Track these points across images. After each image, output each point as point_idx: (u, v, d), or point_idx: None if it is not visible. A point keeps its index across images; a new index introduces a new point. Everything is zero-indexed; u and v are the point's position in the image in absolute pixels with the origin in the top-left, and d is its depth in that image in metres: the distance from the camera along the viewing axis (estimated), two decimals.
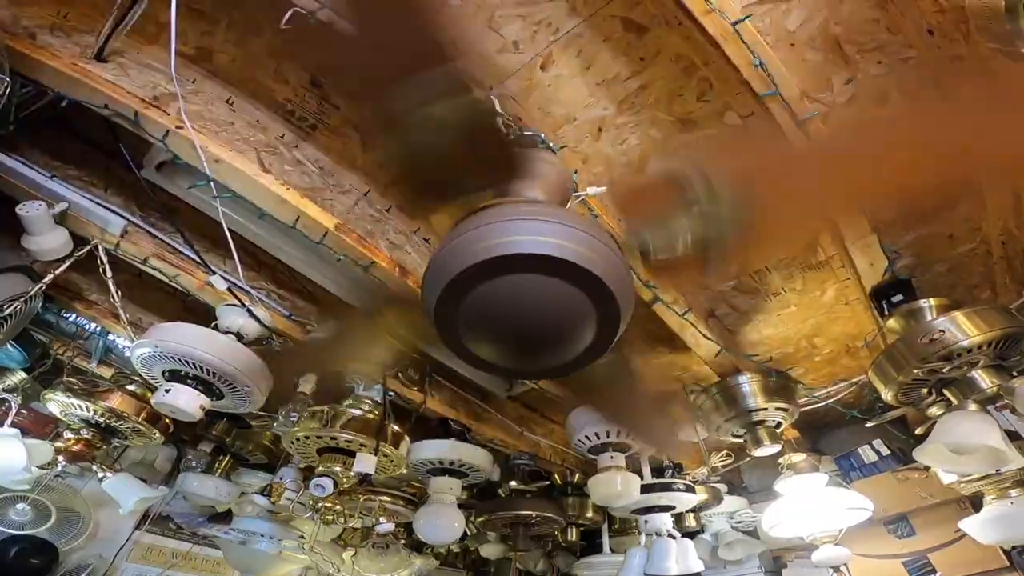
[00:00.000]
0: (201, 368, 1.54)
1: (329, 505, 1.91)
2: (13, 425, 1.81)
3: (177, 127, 1.26)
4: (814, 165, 0.87)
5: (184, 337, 1.51)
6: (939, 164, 0.79)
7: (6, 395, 1.82)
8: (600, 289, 0.75)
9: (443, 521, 2.09)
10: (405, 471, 2.04)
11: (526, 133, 1.25)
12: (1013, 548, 2.03)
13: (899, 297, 1.52)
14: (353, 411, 1.82)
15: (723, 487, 2.60)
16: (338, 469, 1.80)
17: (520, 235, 0.75)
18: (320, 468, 1.82)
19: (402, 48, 0.70)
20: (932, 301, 1.48)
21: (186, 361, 1.52)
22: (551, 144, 1.28)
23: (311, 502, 1.97)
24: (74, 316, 1.84)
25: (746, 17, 1.04)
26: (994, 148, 0.74)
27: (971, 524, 1.72)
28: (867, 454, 2.39)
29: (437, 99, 0.72)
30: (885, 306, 1.55)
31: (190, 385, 1.56)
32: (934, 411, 1.63)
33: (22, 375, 1.90)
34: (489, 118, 0.76)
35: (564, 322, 0.78)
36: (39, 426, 2.06)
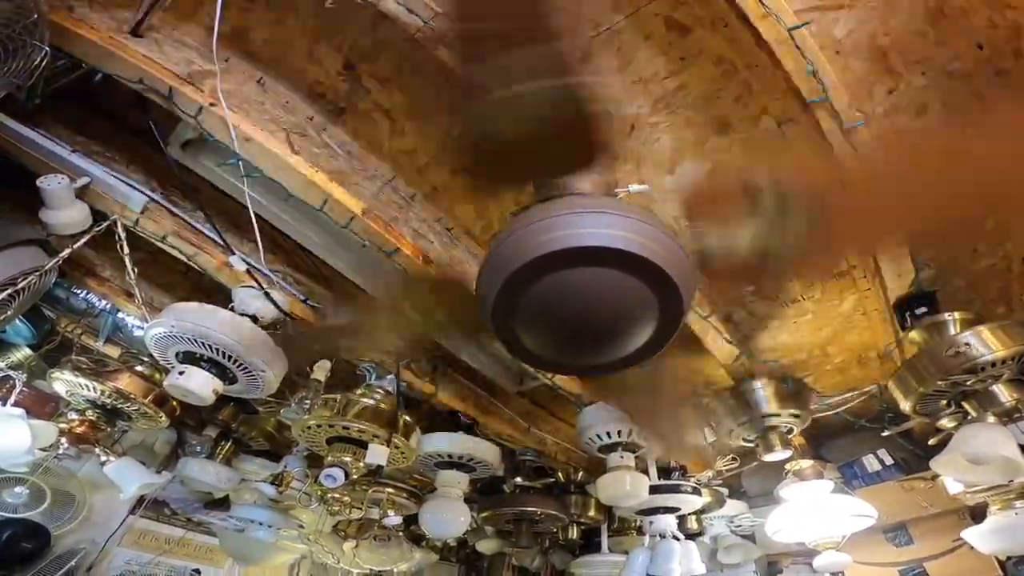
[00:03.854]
0: (217, 351, 1.51)
1: (337, 496, 1.88)
2: (15, 404, 1.76)
3: (211, 104, 1.24)
4: (873, 184, 0.87)
5: (202, 318, 1.48)
6: (980, 183, 0.78)
7: (11, 372, 1.77)
8: (665, 284, 0.74)
9: (449, 515, 2.08)
10: (411, 463, 2.03)
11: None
12: (1008, 559, 2.06)
13: (923, 309, 1.53)
14: (366, 400, 1.80)
15: (724, 491, 2.62)
16: (348, 459, 1.78)
17: (587, 228, 0.74)
18: (329, 458, 1.79)
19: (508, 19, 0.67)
20: (956, 315, 1.50)
21: (202, 343, 1.49)
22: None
23: (318, 493, 1.95)
24: (85, 293, 1.80)
25: (804, 23, 1.04)
26: None
27: (974, 534, 1.75)
28: (871, 463, 2.42)
29: (533, 79, 0.69)
30: (908, 318, 1.56)
31: (204, 368, 1.53)
32: (946, 423, 1.66)
33: (28, 352, 1.85)
34: (581, 106, 0.74)
35: (627, 317, 0.77)
36: (39, 405, 2.01)
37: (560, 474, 2.57)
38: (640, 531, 2.68)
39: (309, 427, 1.77)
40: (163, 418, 1.87)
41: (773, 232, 0.79)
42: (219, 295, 1.65)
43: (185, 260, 1.59)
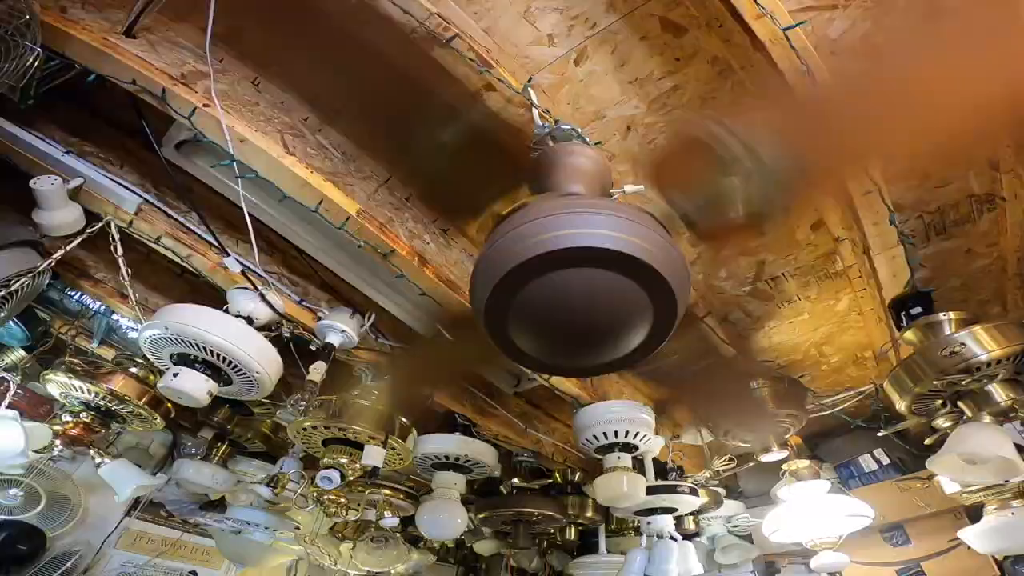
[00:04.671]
0: (211, 352, 1.50)
1: (333, 498, 1.88)
2: (9, 406, 1.75)
3: (204, 105, 1.23)
4: (832, 109, 0.85)
5: (196, 319, 1.47)
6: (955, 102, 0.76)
7: (5, 374, 1.76)
8: (658, 283, 0.74)
9: (446, 516, 2.07)
10: (408, 464, 2.02)
11: (563, 127, 1.23)
12: (1005, 559, 2.07)
13: (918, 309, 1.53)
14: (362, 402, 1.79)
15: (721, 491, 2.62)
16: (344, 461, 1.78)
17: (577, 228, 0.74)
18: (325, 459, 1.79)
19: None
20: (951, 315, 1.50)
21: (196, 344, 1.48)
22: (587, 139, 1.27)
23: (314, 494, 1.94)
24: (79, 294, 1.79)
25: (799, 23, 1.04)
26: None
27: (970, 534, 1.75)
28: (867, 463, 2.42)
29: (441, 124, 0.69)
30: (903, 318, 1.56)
31: (198, 370, 1.53)
32: (941, 423, 1.66)
33: (22, 353, 1.84)
34: (494, 123, 0.74)
35: (621, 317, 0.77)
36: (34, 407, 2.00)
37: (557, 475, 2.57)
38: (638, 532, 2.68)
39: (305, 429, 1.77)
40: (158, 420, 1.86)
41: (750, 180, 0.79)
42: (214, 295, 1.65)
43: (179, 261, 1.58)
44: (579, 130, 1.25)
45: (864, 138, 0.82)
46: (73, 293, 1.79)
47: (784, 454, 1.91)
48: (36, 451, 1.74)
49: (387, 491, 2.22)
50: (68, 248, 1.42)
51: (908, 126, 0.78)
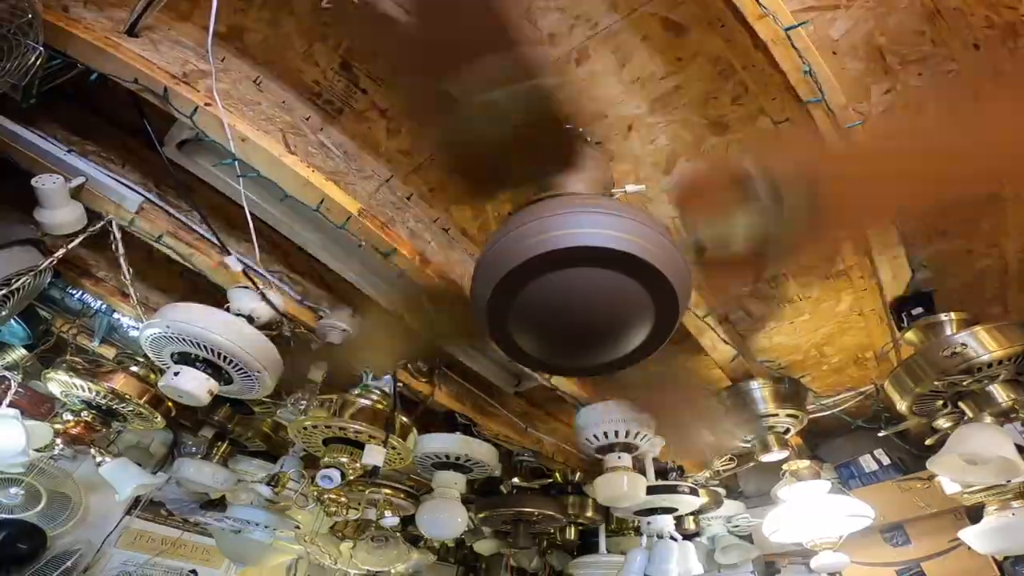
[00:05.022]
0: (212, 351, 1.50)
1: (333, 497, 1.88)
2: (10, 405, 1.75)
3: (206, 104, 1.23)
4: (863, 168, 0.87)
5: (197, 318, 1.47)
6: (972, 169, 0.79)
7: (6, 373, 1.76)
8: (660, 283, 0.74)
9: (446, 516, 2.07)
10: (408, 464, 2.02)
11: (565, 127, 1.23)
12: (1005, 559, 2.07)
13: (919, 310, 1.54)
14: (362, 401, 1.79)
15: (721, 491, 2.62)
16: (344, 460, 1.78)
17: (579, 228, 0.74)
18: (326, 459, 1.79)
19: (466, 31, 0.68)
20: (953, 315, 1.50)
21: (197, 343, 1.48)
22: (590, 138, 1.27)
23: (315, 493, 1.94)
24: (80, 293, 1.79)
25: (801, 23, 1.04)
26: None
27: (971, 534, 1.75)
28: (868, 463, 2.42)
29: (499, 85, 0.70)
30: (904, 318, 1.56)
31: (199, 368, 1.53)
32: (942, 423, 1.66)
33: (23, 352, 1.84)
34: (551, 106, 0.74)
35: (622, 317, 0.77)
36: (35, 406, 2.00)
37: (557, 475, 2.58)
38: (638, 531, 2.68)
39: (305, 428, 1.76)
40: (158, 419, 1.86)
41: (766, 219, 0.79)
42: (215, 294, 1.65)
43: (181, 260, 1.58)
44: (582, 129, 1.25)
45: (892, 194, 0.85)
46: (74, 292, 1.79)
47: (784, 454, 1.91)
48: (37, 450, 1.74)
49: (387, 490, 2.22)
50: (69, 247, 1.42)
51: (934, 183, 0.80)
